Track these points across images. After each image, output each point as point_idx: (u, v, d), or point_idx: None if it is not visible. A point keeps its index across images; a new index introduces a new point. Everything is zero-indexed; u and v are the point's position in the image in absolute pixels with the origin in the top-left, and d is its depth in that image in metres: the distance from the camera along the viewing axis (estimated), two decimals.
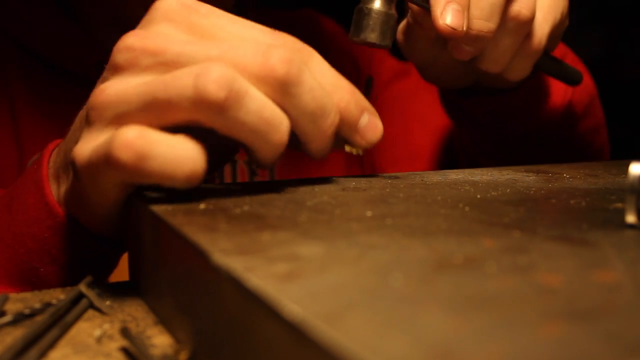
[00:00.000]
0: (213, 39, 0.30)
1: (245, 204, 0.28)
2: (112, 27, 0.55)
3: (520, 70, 0.45)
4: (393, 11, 0.38)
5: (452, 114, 0.56)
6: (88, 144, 0.29)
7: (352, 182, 0.35)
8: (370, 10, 0.38)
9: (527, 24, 0.41)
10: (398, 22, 0.41)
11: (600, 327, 0.15)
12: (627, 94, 1.86)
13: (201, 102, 0.27)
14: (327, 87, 0.31)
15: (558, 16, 0.44)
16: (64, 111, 0.53)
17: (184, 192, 0.29)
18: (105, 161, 0.27)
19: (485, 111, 0.53)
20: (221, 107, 0.27)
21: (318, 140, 0.31)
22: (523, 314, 0.16)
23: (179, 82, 0.27)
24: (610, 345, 0.14)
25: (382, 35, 0.38)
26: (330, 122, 0.31)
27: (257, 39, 0.30)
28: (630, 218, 0.25)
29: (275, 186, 0.33)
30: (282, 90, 0.29)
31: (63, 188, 0.35)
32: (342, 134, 0.34)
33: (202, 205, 0.28)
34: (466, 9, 0.39)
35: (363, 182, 0.35)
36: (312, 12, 0.73)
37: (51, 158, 0.37)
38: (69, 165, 0.33)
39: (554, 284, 0.18)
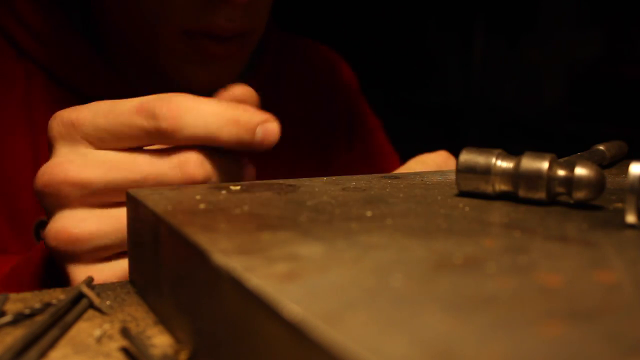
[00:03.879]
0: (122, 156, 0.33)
1: (245, 204, 0.28)
2: (142, 71, 0.58)
3: None
4: None
5: None
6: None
7: (352, 182, 0.35)
8: None
9: None
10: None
11: (600, 327, 0.15)
12: (627, 94, 1.86)
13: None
14: (213, 127, 0.32)
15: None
16: None
17: (184, 193, 0.30)
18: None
19: None
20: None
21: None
22: (523, 314, 0.16)
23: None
24: (610, 345, 0.14)
25: None
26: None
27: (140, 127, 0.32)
28: (630, 218, 0.25)
29: (275, 186, 0.33)
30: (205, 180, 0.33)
31: None
32: (250, 154, 0.36)
33: (202, 205, 0.28)
34: None
35: (363, 182, 0.35)
36: (332, 53, 0.75)
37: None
38: None
39: (554, 284, 0.18)
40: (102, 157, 0.33)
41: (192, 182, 0.33)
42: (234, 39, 0.51)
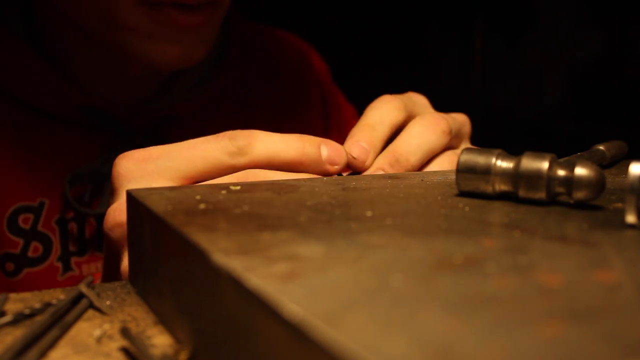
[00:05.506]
0: None
1: (245, 204, 0.28)
2: (99, 73, 0.54)
3: None
4: None
5: None
6: None
7: (352, 182, 0.35)
8: None
9: None
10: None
11: (600, 327, 0.15)
12: (627, 94, 1.86)
13: None
14: (281, 143, 0.35)
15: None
16: (43, 149, 0.52)
17: (184, 192, 0.30)
18: None
19: None
20: None
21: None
22: (523, 314, 0.16)
23: None
24: (610, 345, 0.14)
25: None
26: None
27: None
28: (630, 218, 0.25)
29: (275, 186, 0.33)
30: None
31: None
32: (317, 174, 0.37)
33: (202, 205, 0.28)
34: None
35: (363, 182, 0.35)
36: (302, 43, 0.72)
37: None
38: None
39: (554, 284, 0.18)
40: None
41: None
42: (204, 8, 0.47)
